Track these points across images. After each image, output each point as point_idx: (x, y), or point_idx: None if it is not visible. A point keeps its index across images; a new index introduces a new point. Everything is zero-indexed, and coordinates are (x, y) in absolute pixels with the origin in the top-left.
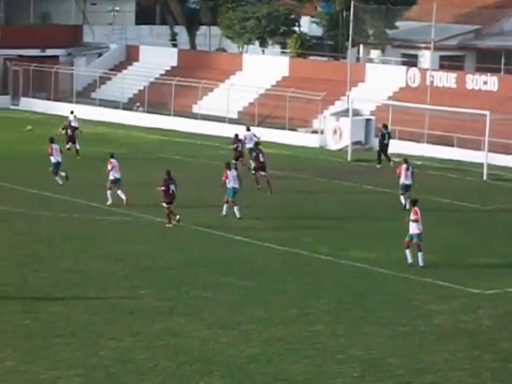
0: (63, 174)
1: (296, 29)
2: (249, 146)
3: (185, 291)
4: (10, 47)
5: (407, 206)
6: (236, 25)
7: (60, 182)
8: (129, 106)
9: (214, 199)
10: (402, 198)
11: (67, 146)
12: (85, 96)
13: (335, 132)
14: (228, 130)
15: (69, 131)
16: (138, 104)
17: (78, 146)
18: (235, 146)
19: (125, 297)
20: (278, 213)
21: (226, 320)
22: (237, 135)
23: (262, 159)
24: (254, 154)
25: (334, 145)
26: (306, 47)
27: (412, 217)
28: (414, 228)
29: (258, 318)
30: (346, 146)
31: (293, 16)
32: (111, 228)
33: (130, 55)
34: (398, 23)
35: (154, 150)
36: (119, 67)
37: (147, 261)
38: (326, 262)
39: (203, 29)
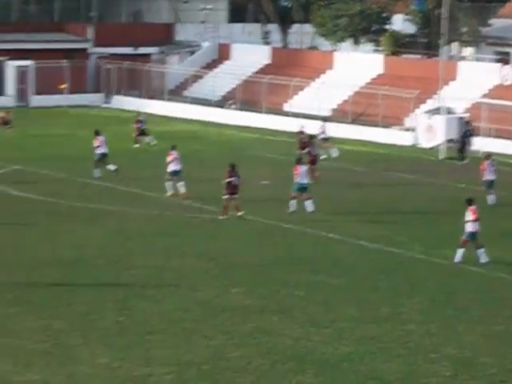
0: (112, 167)
1: (388, 27)
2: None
3: (276, 289)
4: (103, 46)
5: (489, 202)
6: (328, 23)
7: (98, 175)
8: (221, 103)
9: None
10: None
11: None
12: (177, 94)
13: (428, 130)
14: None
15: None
16: (230, 102)
17: (147, 140)
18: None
19: (216, 295)
20: (370, 210)
21: (319, 318)
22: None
23: (314, 152)
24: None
25: (426, 143)
26: (399, 45)
27: (470, 217)
28: (470, 227)
29: (351, 316)
30: (439, 144)
31: (385, 14)
32: (203, 226)
33: (222, 53)
34: (491, 21)
35: (245, 147)
36: (211, 65)
37: (238, 259)
38: (419, 260)
39: (295, 27)
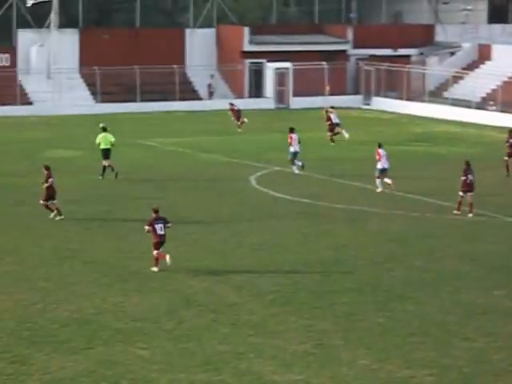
0: (300, 163)
1: None
2: None
3: None
4: (363, 47)
5: None
6: None
7: (296, 171)
8: (481, 105)
9: None
10: None
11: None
12: (437, 95)
13: None
14: None
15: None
16: (491, 103)
17: (345, 134)
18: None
19: (478, 297)
20: None
21: None
22: None
23: None
24: None
25: None
26: None
27: None
28: None
29: None
30: None
31: None
32: (464, 228)
33: (482, 54)
34: None
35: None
36: (471, 66)
37: (501, 261)
38: None
39: None
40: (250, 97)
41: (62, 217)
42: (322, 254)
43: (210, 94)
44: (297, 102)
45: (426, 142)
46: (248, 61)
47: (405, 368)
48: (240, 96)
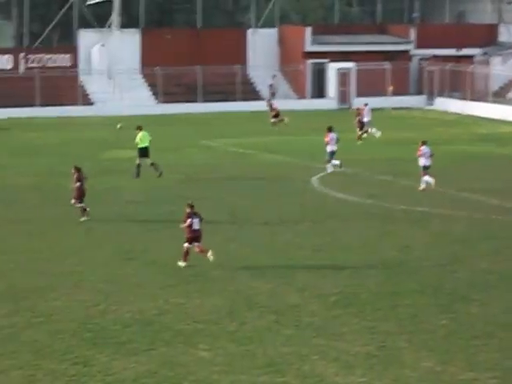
0: (337, 162)
1: None
2: None
3: None
4: (425, 47)
5: None
6: None
7: (329, 170)
8: None
9: None
10: None
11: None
12: (501, 96)
13: None
14: None
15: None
16: None
17: (375, 132)
18: None
19: None
20: None
21: None
22: None
23: None
24: None
25: None
26: None
27: None
28: None
29: None
30: None
31: None
32: None
33: None
34: None
35: None
36: None
37: None
38: None
39: None
40: (312, 97)
41: (88, 218)
42: (384, 255)
43: (272, 95)
44: (359, 103)
45: (490, 143)
46: (310, 61)
47: (468, 370)
48: (302, 96)
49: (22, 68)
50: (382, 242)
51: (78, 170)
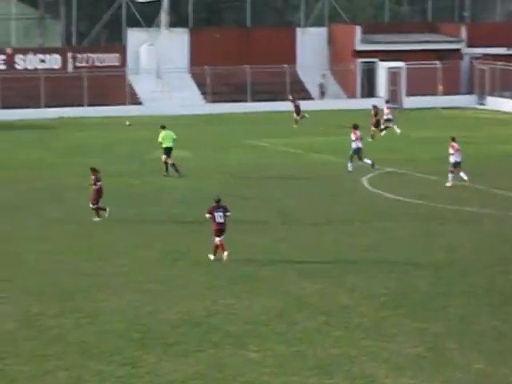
0: (369, 161)
1: None
2: None
3: None
4: (477, 46)
5: None
6: None
7: (350, 169)
8: None
9: None
10: None
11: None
12: None
13: None
14: None
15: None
16: None
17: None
18: None
19: None
20: None
21: None
22: None
23: None
24: None
25: None
26: None
27: None
28: None
29: None
30: None
31: None
32: None
33: None
34: None
35: None
36: None
37: None
38: None
39: None
40: (362, 97)
41: (100, 219)
42: (434, 256)
43: (322, 94)
44: (410, 102)
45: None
46: (360, 60)
47: None
48: (352, 96)
49: (70, 67)
50: (432, 243)
51: (95, 171)
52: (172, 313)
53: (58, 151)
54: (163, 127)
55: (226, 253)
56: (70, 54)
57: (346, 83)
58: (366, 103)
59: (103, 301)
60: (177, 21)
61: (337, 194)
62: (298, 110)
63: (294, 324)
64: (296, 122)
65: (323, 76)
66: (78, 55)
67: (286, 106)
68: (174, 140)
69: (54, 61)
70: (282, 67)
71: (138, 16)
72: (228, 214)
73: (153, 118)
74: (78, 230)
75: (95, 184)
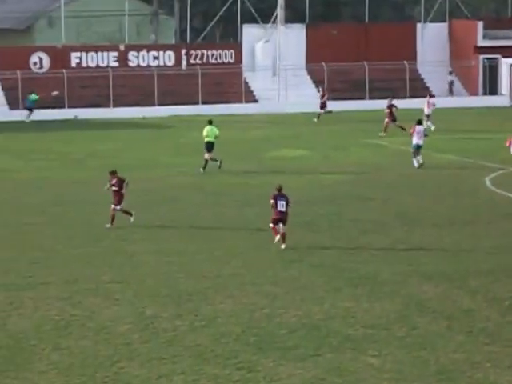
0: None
1: None
2: None
3: None
4: None
5: None
6: None
7: (416, 165)
8: None
9: None
10: None
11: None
12: None
13: None
14: None
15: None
16: None
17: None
18: None
19: None
20: None
21: None
22: None
23: None
24: None
25: None
26: None
27: None
28: None
29: None
30: None
31: None
32: None
33: None
34: None
35: None
36: None
37: None
38: None
39: None
40: (485, 94)
41: (110, 226)
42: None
43: (450, 92)
44: None
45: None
46: (482, 56)
47: None
48: (474, 93)
49: (183, 64)
50: None
51: (114, 174)
52: (289, 316)
53: (173, 150)
54: (210, 122)
55: (284, 245)
56: (183, 51)
57: (468, 80)
58: (489, 101)
59: (220, 303)
60: (293, 16)
61: (459, 194)
62: (322, 105)
63: (415, 328)
64: (318, 116)
65: (451, 73)
66: (192, 52)
67: (406, 103)
68: (217, 137)
69: (167, 58)
70: (401, 64)
71: (254, 12)
72: (290, 204)
73: (269, 116)
74: (192, 231)
75: (117, 186)
